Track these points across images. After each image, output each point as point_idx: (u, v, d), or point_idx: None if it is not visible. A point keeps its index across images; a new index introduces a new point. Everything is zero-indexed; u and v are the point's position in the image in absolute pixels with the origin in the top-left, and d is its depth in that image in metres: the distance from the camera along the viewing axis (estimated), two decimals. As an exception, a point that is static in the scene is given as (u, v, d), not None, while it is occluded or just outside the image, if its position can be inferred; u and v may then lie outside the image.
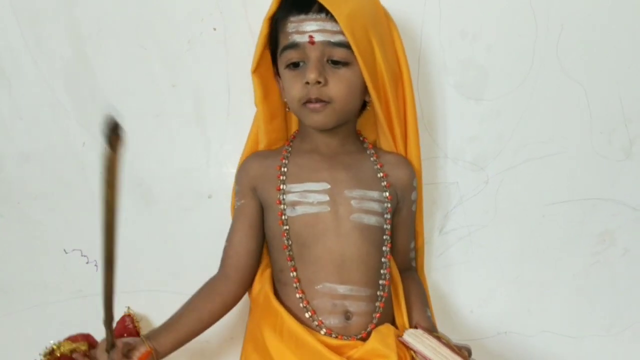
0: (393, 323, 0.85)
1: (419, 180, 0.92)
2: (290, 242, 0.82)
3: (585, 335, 1.08)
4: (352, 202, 0.82)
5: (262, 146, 0.89)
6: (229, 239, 0.86)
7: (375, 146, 0.91)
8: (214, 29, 0.90)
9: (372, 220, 0.83)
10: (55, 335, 0.98)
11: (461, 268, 1.03)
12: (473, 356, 1.01)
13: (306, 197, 0.82)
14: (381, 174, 0.86)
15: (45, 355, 0.79)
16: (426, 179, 0.95)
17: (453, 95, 0.96)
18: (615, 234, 1.05)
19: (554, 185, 1.01)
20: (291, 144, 0.88)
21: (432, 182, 0.99)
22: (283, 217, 0.82)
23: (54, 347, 0.79)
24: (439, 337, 0.79)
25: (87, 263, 0.94)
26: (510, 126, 0.98)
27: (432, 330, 0.83)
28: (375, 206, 0.83)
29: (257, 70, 0.85)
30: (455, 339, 1.04)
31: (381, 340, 0.77)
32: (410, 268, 0.93)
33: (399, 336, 0.79)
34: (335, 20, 0.76)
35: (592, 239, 1.05)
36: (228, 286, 0.84)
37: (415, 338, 0.78)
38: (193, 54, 0.91)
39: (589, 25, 0.95)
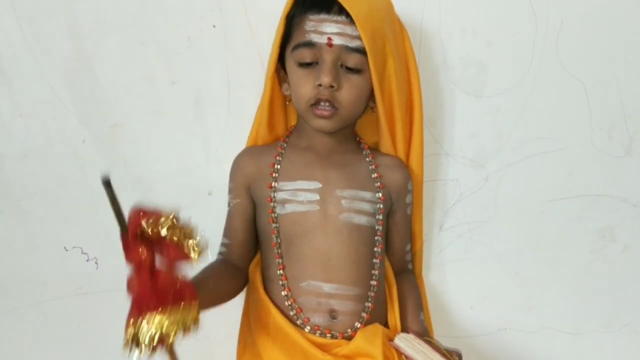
0: (386, 324, 0.85)
1: (420, 182, 0.92)
2: (279, 240, 0.82)
3: (585, 331, 1.08)
4: (343, 201, 0.82)
5: (261, 143, 0.89)
6: (231, 237, 0.86)
7: (371, 147, 0.90)
8: (214, 26, 0.90)
9: (362, 220, 0.83)
10: (53, 333, 0.98)
11: (461, 265, 1.03)
12: (474, 353, 1.01)
13: (296, 195, 0.82)
14: (375, 175, 0.86)
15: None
16: (426, 176, 0.95)
17: (453, 92, 0.96)
18: (615, 231, 1.05)
19: (553, 182, 1.01)
20: (287, 140, 0.88)
21: (431, 179, 0.99)
22: (273, 214, 0.82)
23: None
24: (430, 342, 0.80)
25: (87, 260, 0.94)
26: (510, 122, 0.98)
27: (424, 334, 0.83)
28: (367, 206, 0.83)
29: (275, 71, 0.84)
30: (455, 335, 1.04)
31: (367, 339, 0.77)
32: (406, 270, 0.93)
33: (390, 340, 0.79)
34: (354, 24, 0.75)
35: (592, 236, 1.05)
36: (239, 276, 0.85)
37: (407, 343, 0.78)
38: (193, 51, 0.91)
39: (589, 22, 0.95)
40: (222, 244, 0.87)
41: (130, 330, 0.60)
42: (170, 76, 0.91)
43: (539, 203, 1.02)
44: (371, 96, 0.83)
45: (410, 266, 0.94)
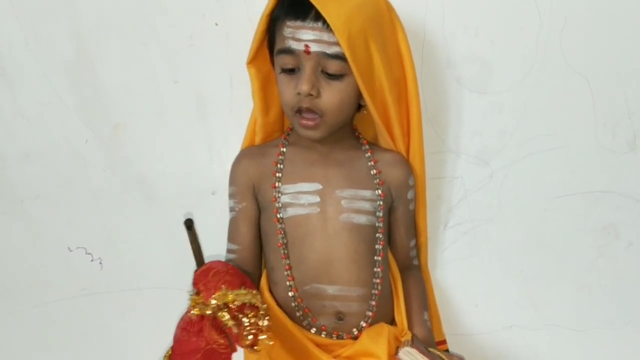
0: (392, 321, 0.85)
1: (422, 178, 0.91)
2: (285, 241, 0.82)
3: (590, 328, 1.08)
4: (343, 202, 0.82)
5: (258, 138, 0.88)
6: (240, 242, 0.85)
7: (371, 143, 0.90)
8: (216, 25, 0.90)
9: (362, 219, 0.82)
10: (58, 334, 0.98)
11: (466, 262, 1.03)
12: (479, 350, 1.01)
13: (298, 198, 0.82)
14: (375, 171, 0.85)
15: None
16: (430, 174, 0.95)
17: (457, 90, 0.96)
18: (619, 227, 1.05)
19: (557, 179, 1.01)
20: (287, 137, 0.87)
21: (436, 176, 0.98)
22: (278, 214, 0.81)
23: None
24: (433, 355, 0.80)
25: (91, 261, 0.94)
26: (513, 120, 0.98)
27: (427, 337, 0.83)
28: (367, 205, 0.83)
29: (253, 61, 0.83)
30: (460, 333, 1.04)
31: (372, 338, 0.77)
32: (411, 267, 0.93)
33: (396, 350, 0.79)
34: (332, 30, 0.73)
35: (596, 233, 1.05)
36: (256, 283, 0.84)
37: (411, 357, 0.78)
38: (195, 50, 0.90)
39: (593, 18, 0.95)
40: (230, 251, 0.85)
41: None
42: (173, 76, 0.91)
43: (543, 200, 1.02)
44: (362, 96, 0.81)
45: (415, 262, 0.94)
